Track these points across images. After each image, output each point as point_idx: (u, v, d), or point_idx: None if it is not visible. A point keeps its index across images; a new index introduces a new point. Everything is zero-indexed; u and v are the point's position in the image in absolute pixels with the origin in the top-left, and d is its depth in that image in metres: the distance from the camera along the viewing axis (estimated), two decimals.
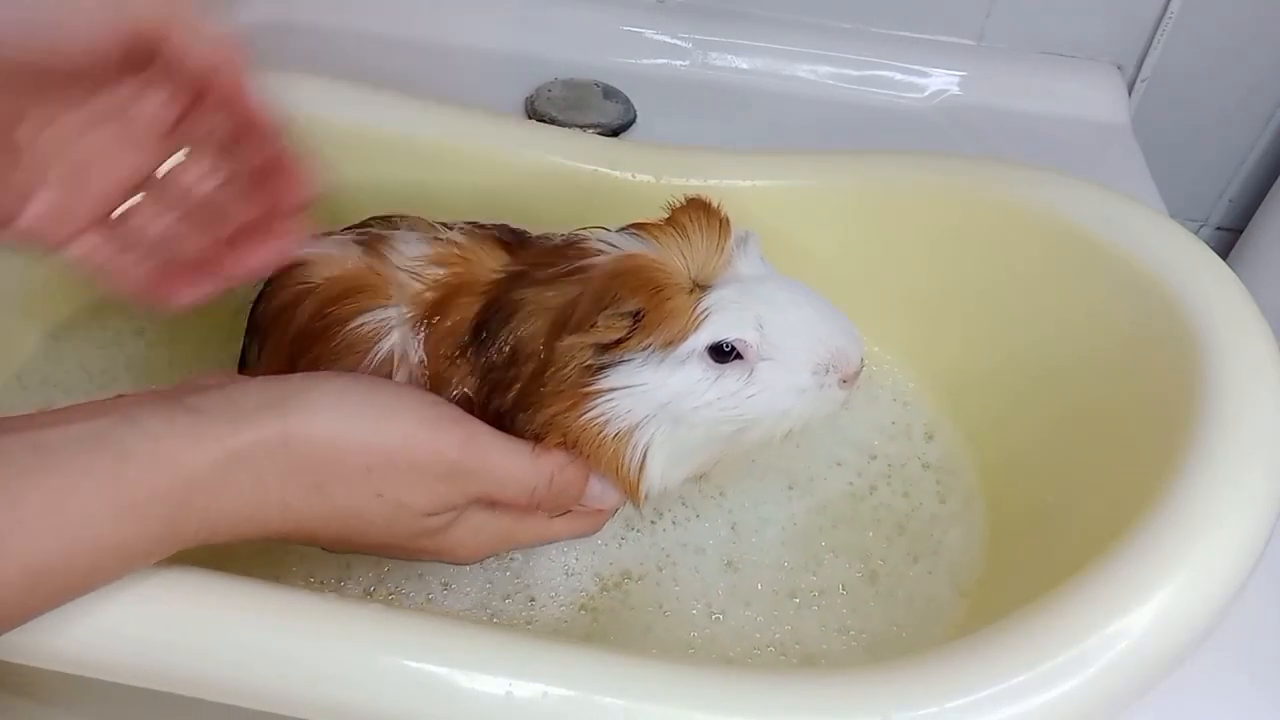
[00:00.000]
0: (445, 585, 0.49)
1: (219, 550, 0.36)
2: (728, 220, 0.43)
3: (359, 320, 0.43)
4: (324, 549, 0.44)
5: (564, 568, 0.50)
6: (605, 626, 0.48)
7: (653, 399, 0.41)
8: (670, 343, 0.40)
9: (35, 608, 0.32)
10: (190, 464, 0.34)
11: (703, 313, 0.40)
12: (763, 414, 0.41)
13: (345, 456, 0.37)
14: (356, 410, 0.38)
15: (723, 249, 0.42)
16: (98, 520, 0.32)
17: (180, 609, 0.35)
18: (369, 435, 0.37)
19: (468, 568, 0.50)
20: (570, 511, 0.45)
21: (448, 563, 0.44)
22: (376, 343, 0.43)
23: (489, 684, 0.34)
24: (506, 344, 0.41)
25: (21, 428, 0.33)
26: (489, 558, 0.45)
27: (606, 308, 0.39)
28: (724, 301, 0.40)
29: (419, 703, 0.34)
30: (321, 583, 0.49)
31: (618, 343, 0.40)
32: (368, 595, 0.48)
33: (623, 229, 0.43)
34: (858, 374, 0.43)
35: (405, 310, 0.43)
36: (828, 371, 0.42)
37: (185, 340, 0.59)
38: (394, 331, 0.43)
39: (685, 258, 0.41)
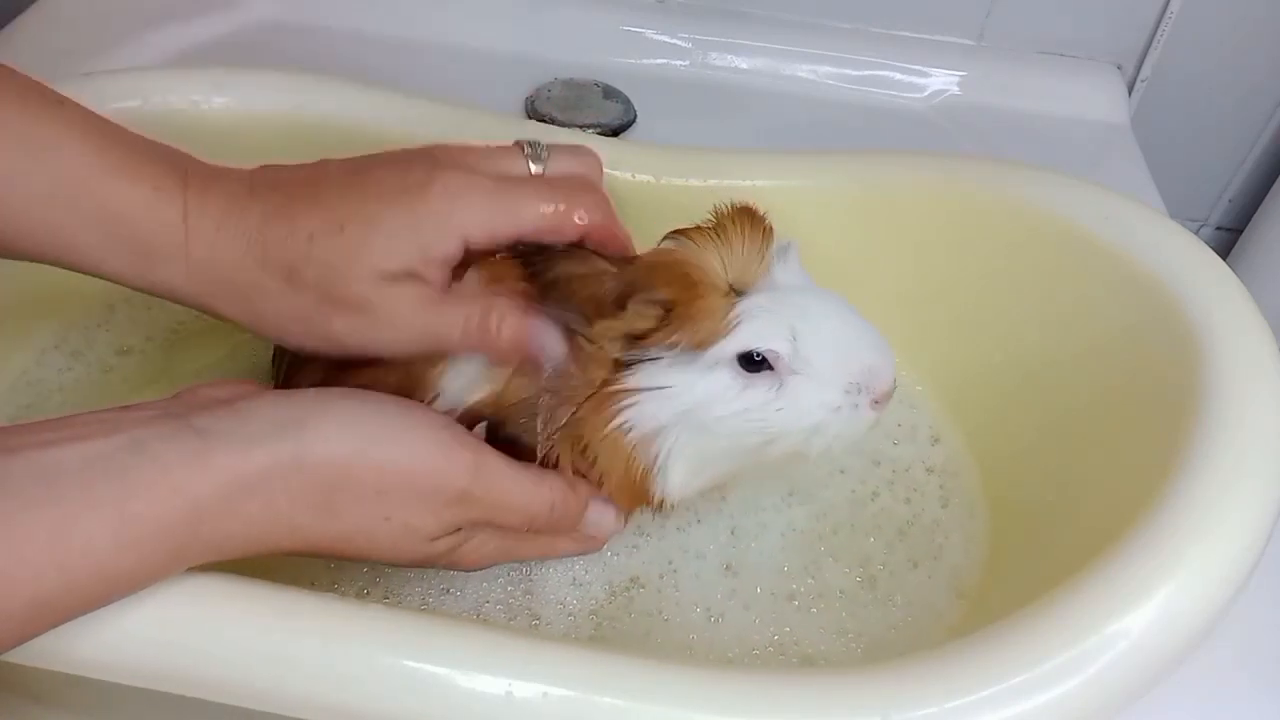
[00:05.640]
0: (445, 590, 0.49)
1: None
2: (771, 228, 0.42)
3: None
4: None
5: (572, 578, 0.50)
6: (607, 633, 0.48)
7: (678, 403, 0.40)
8: (700, 344, 0.39)
9: (36, 633, 0.33)
10: (197, 493, 0.34)
11: (735, 318, 0.39)
12: (789, 428, 0.41)
13: (359, 478, 0.37)
14: (371, 431, 0.38)
15: (763, 256, 0.41)
16: (101, 554, 0.32)
17: (180, 609, 0.35)
18: (382, 457, 0.37)
19: (469, 577, 0.49)
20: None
21: (448, 570, 0.44)
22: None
23: (489, 684, 0.34)
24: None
25: (24, 446, 0.33)
26: (491, 566, 0.45)
27: (637, 294, 0.39)
28: (758, 309, 0.40)
29: (419, 703, 0.34)
30: (312, 582, 0.48)
31: (646, 335, 0.39)
32: (362, 595, 0.48)
33: (665, 237, 0.43)
34: (889, 395, 0.42)
35: None
36: (860, 391, 0.41)
37: (198, 348, 0.59)
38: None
39: (724, 262, 0.40)
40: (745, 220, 0.42)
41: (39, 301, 0.57)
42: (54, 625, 0.33)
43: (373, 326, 0.40)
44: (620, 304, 0.39)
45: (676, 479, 0.41)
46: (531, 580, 0.49)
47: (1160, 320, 0.46)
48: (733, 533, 0.52)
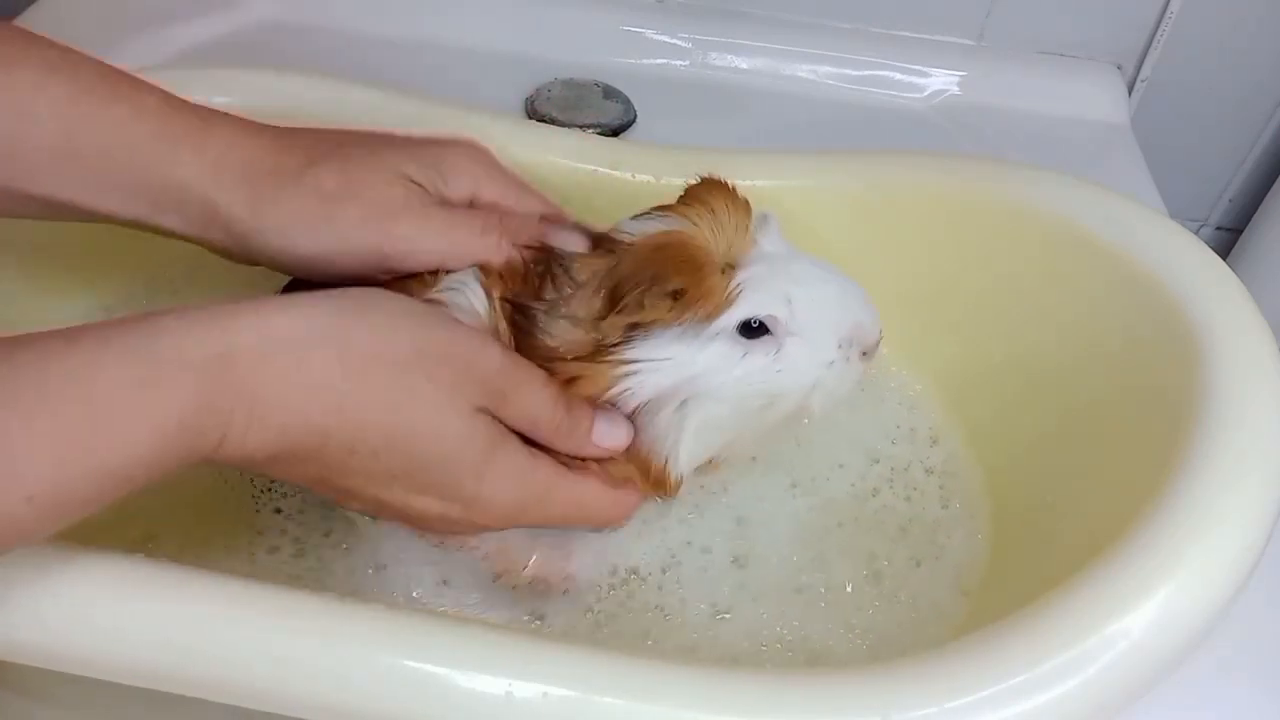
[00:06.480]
0: (444, 582, 0.49)
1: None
2: (747, 200, 0.43)
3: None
4: (349, 499, 0.40)
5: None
6: (608, 635, 0.48)
7: (680, 374, 0.41)
8: (705, 319, 0.40)
9: (72, 489, 0.30)
10: (227, 339, 0.33)
11: (736, 290, 0.40)
12: (791, 388, 0.42)
13: (399, 340, 0.37)
14: (408, 309, 0.38)
15: (747, 228, 0.42)
16: (123, 385, 0.31)
17: (180, 609, 0.35)
18: (422, 327, 0.38)
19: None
20: (600, 484, 0.42)
21: (476, 523, 0.40)
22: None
23: (489, 684, 0.34)
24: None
25: (52, 332, 0.32)
26: (516, 525, 0.42)
27: (651, 287, 0.39)
28: (755, 279, 0.41)
29: (419, 703, 0.34)
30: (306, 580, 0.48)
31: (651, 321, 0.40)
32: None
33: (643, 213, 0.43)
34: (876, 345, 0.44)
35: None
36: (851, 344, 0.43)
37: None
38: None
39: (715, 236, 0.41)
40: (723, 194, 0.42)
41: (35, 303, 0.57)
42: (88, 487, 0.31)
43: (387, 219, 0.42)
44: (628, 297, 0.39)
45: (683, 450, 0.42)
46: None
47: (1160, 320, 0.47)
48: (739, 522, 0.52)
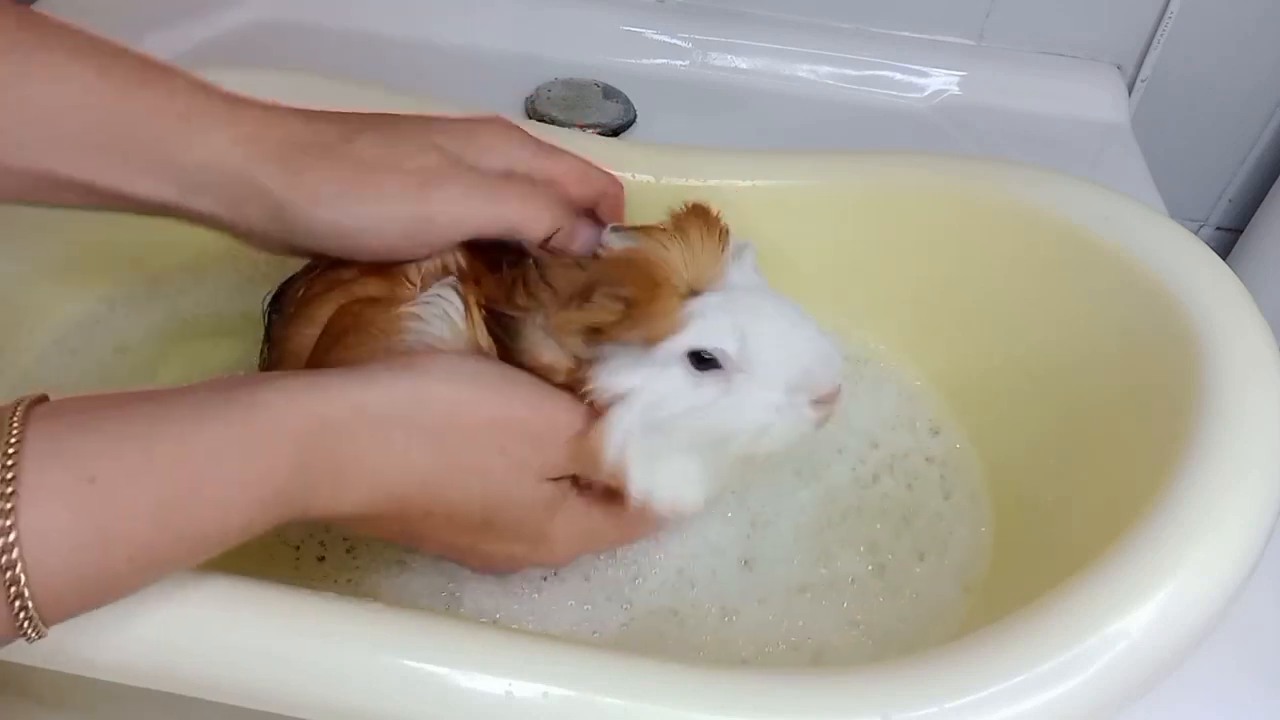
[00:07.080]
0: (453, 594, 0.49)
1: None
2: (727, 229, 0.43)
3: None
4: (421, 543, 0.43)
5: (584, 575, 0.50)
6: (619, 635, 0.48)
7: (641, 400, 0.40)
8: (652, 340, 0.40)
9: (168, 550, 0.32)
10: (321, 411, 0.35)
11: (687, 316, 0.40)
12: (738, 427, 0.41)
13: (473, 413, 0.38)
14: (478, 376, 0.40)
15: (719, 257, 0.42)
16: (224, 455, 0.33)
17: (180, 610, 0.35)
18: (495, 396, 0.39)
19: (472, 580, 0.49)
20: (635, 513, 0.44)
21: (541, 562, 0.44)
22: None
23: (489, 684, 0.34)
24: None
25: (146, 394, 0.33)
26: (579, 555, 0.46)
27: (602, 287, 0.39)
28: (709, 308, 0.40)
29: (419, 703, 0.34)
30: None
31: (605, 329, 0.40)
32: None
33: (626, 228, 0.43)
34: (833, 398, 0.42)
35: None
36: (801, 391, 0.41)
37: (198, 345, 0.59)
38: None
39: (685, 262, 0.41)
40: (702, 220, 0.42)
41: (37, 302, 0.57)
42: (185, 543, 0.32)
43: (431, 185, 0.42)
44: (586, 296, 0.40)
45: (639, 475, 0.41)
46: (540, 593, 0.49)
47: (1160, 320, 0.47)
48: (751, 524, 0.52)
